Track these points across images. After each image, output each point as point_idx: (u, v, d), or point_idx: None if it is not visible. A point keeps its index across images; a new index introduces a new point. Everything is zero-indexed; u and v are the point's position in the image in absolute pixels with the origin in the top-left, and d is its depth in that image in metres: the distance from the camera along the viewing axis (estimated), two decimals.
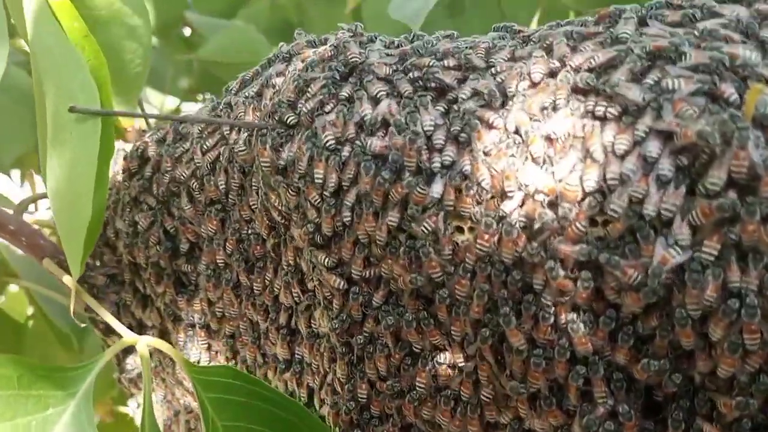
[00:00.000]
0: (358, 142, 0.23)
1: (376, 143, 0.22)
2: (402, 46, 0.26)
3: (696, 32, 0.20)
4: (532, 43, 0.24)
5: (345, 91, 0.24)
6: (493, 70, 0.23)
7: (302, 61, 0.27)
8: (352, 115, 0.23)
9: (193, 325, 0.32)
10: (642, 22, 0.22)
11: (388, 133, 0.23)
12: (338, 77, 0.24)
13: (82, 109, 0.21)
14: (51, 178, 0.22)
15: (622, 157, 0.19)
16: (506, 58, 0.23)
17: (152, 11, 0.75)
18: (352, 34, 0.27)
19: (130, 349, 0.35)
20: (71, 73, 0.22)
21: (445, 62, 0.23)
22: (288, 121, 0.24)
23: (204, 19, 0.81)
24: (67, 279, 0.28)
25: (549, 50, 0.22)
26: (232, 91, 0.30)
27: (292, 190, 0.24)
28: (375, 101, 0.23)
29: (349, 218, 0.23)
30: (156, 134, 0.33)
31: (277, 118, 0.25)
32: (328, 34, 0.30)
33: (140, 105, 0.38)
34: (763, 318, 0.18)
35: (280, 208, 0.25)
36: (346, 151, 0.23)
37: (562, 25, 0.24)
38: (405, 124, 0.22)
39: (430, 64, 0.23)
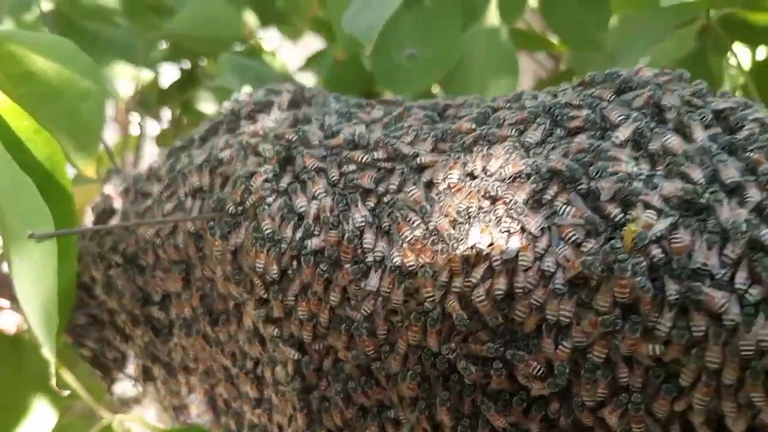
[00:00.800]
0: (297, 235, 0.25)
1: (314, 241, 0.25)
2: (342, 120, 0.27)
3: (591, 150, 0.21)
4: (451, 131, 0.25)
5: (284, 182, 0.26)
6: (418, 160, 0.24)
7: (248, 137, 0.28)
8: (291, 209, 0.25)
9: (170, 364, 0.34)
10: (553, 122, 0.23)
11: (323, 230, 0.25)
12: (278, 170, 0.26)
13: (40, 234, 0.23)
14: (17, 282, 0.25)
15: (525, 271, 0.21)
16: (429, 149, 0.25)
17: None
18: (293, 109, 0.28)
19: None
20: (24, 201, 0.23)
21: (376, 154, 0.25)
22: (233, 213, 0.26)
23: None
24: (45, 352, 0.31)
25: (466, 150, 0.24)
26: (185, 158, 0.31)
27: (242, 274, 0.27)
28: (311, 196, 0.25)
29: (294, 302, 0.26)
30: (120, 183, 0.35)
31: (223, 210, 0.27)
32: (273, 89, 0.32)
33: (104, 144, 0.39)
34: (646, 411, 0.21)
35: (234, 285, 0.28)
36: (284, 243, 0.25)
37: (479, 106, 0.26)
38: (338, 221, 0.24)
39: (361, 160, 0.25)
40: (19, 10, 0.76)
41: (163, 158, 0.34)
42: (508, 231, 0.21)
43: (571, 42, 0.55)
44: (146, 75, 0.82)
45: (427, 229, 0.23)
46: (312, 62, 0.81)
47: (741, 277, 0.18)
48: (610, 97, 0.23)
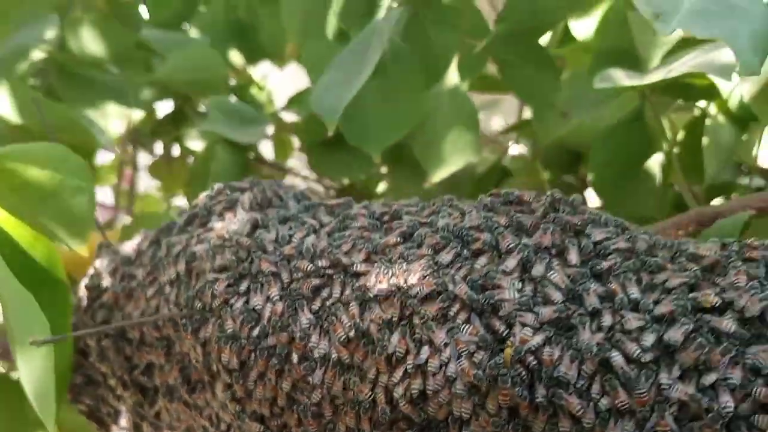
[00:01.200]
0: (254, 333, 0.30)
1: (269, 339, 0.29)
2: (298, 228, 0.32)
3: (484, 275, 0.26)
4: (381, 244, 0.30)
5: (243, 286, 0.31)
6: (354, 269, 0.29)
7: (216, 238, 0.33)
8: (250, 311, 0.30)
9: (156, 423, 0.39)
10: (463, 244, 0.28)
11: (276, 330, 0.29)
12: (237, 276, 0.31)
13: (40, 341, 0.28)
14: (22, 375, 0.29)
15: (434, 375, 0.26)
16: (362, 259, 0.29)
17: (106, 42, 0.79)
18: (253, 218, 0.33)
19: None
20: (25, 312, 0.28)
21: (319, 262, 0.30)
22: (201, 310, 0.31)
23: (159, 36, 0.84)
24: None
25: (392, 264, 0.29)
26: (165, 246, 0.36)
27: (210, 361, 0.32)
28: (266, 298, 0.30)
29: (253, 386, 0.30)
30: (109, 261, 0.40)
31: (193, 308, 0.31)
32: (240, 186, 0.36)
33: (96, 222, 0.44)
34: None
35: (205, 369, 0.33)
36: (243, 340, 0.30)
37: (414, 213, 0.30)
38: (288, 323, 0.29)
39: (307, 269, 0.30)
40: (12, 61, 0.80)
41: (147, 243, 0.38)
42: (420, 341, 0.26)
43: (528, 100, 0.60)
44: (137, 114, 0.86)
45: (360, 331, 0.28)
46: (294, 103, 0.86)
47: (595, 389, 0.23)
48: (506, 222, 0.28)
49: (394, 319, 0.27)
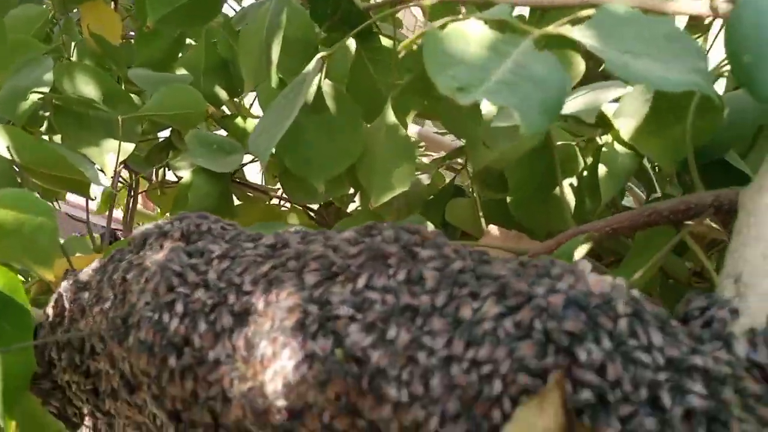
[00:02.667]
0: (163, 341, 0.37)
1: (175, 347, 0.37)
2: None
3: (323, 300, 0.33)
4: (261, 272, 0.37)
5: (159, 305, 0.38)
6: (242, 287, 0.36)
7: (144, 266, 0.40)
8: (160, 324, 0.37)
9: (110, 423, 0.47)
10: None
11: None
12: (156, 296, 0.38)
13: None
14: None
15: (293, 372, 0.33)
16: (249, 281, 0.36)
17: (95, 85, 0.87)
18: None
19: None
20: None
21: (216, 283, 0.37)
22: (124, 325, 0.38)
23: (144, 76, 0.93)
24: None
25: (269, 283, 0.35)
26: (110, 268, 0.44)
27: (134, 365, 0.39)
28: (174, 314, 0.37)
29: (166, 386, 0.38)
30: (70, 285, 0.48)
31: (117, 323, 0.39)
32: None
33: (63, 251, 0.52)
34: None
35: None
36: (156, 348, 0.37)
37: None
38: (189, 334, 0.36)
39: (207, 290, 0.37)
40: (13, 102, 0.88)
41: (97, 269, 0.46)
42: (283, 345, 0.33)
43: (454, 131, 0.67)
44: (128, 147, 0.93)
45: (242, 337, 0.35)
46: None
47: (405, 377, 0.30)
48: (357, 251, 0.34)
49: (266, 327, 0.34)
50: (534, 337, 0.28)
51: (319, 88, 0.62)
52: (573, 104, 0.50)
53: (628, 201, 0.79)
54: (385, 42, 0.68)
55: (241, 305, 0.35)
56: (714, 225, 0.62)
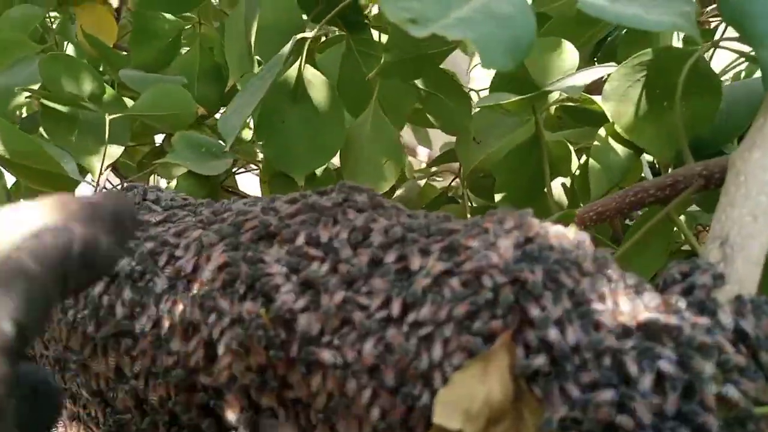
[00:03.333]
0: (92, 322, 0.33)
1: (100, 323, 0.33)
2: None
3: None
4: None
5: None
6: (176, 251, 0.33)
7: None
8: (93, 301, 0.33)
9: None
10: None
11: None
12: None
13: None
14: None
15: (217, 341, 0.29)
16: (184, 244, 0.33)
17: (82, 80, 0.85)
18: None
19: None
20: None
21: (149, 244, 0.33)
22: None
23: (136, 77, 0.91)
24: None
25: (202, 246, 0.32)
26: None
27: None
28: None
29: (90, 363, 0.34)
30: None
31: None
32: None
33: None
34: None
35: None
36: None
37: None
38: (112, 304, 0.33)
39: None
40: (4, 99, 0.87)
41: None
42: (211, 309, 0.29)
43: (444, 127, 0.63)
44: (115, 150, 0.91)
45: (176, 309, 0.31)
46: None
47: (336, 342, 0.26)
48: (295, 210, 0.31)
49: (193, 291, 0.30)
50: (481, 295, 0.24)
51: (301, 75, 0.59)
52: (558, 85, 0.47)
53: None
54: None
55: (172, 270, 0.32)
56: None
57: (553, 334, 0.23)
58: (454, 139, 0.72)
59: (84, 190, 1.03)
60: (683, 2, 0.29)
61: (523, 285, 0.23)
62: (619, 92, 0.44)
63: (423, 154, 1.16)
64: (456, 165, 0.79)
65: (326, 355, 0.26)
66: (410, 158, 1.15)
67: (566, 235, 0.25)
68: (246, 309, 0.28)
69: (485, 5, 0.29)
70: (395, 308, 0.25)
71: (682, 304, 0.24)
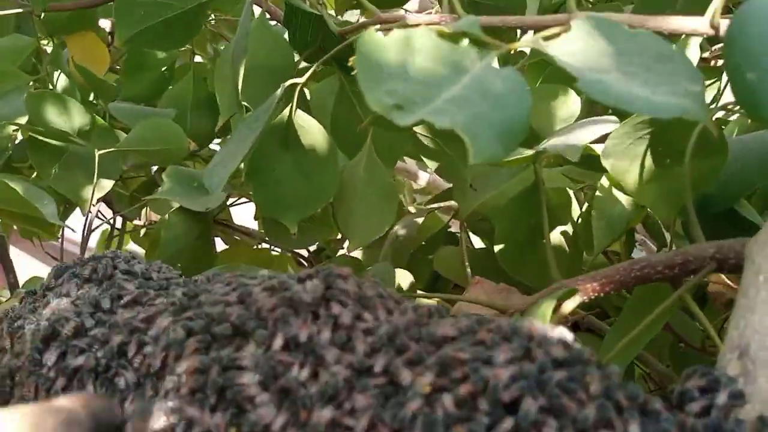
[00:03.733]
0: None
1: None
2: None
3: None
4: None
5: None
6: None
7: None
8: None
9: None
10: None
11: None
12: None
13: None
14: None
15: None
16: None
17: (70, 116, 0.83)
18: None
19: None
20: None
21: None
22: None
23: (126, 110, 0.89)
24: None
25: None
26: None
27: None
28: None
29: None
30: None
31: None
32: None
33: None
34: None
35: None
36: None
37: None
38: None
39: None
40: None
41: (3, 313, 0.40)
42: None
43: (440, 171, 0.61)
44: (106, 184, 0.88)
45: None
46: None
47: None
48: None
49: (162, 393, 0.28)
50: (477, 420, 0.22)
51: (291, 120, 0.57)
52: (556, 140, 0.44)
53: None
54: None
55: (140, 363, 0.29)
56: (731, 283, 0.55)
57: None
58: None
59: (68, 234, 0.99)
60: (689, 79, 0.27)
61: (522, 414, 0.21)
62: (619, 149, 0.42)
63: (423, 178, 1.14)
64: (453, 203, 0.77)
65: None
66: (410, 181, 1.13)
67: (570, 345, 0.23)
68: (215, 423, 0.25)
69: (478, 81, 0.27)
70: None
71: (699, 427, 0.22)
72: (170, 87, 0.96)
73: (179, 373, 0.27)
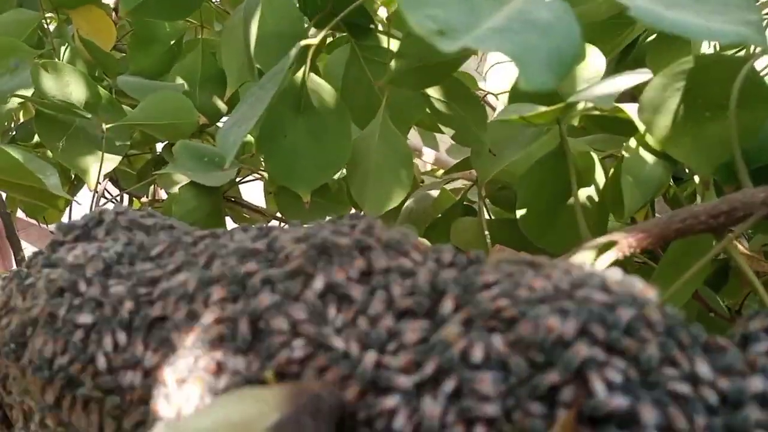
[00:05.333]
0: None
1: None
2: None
3: None
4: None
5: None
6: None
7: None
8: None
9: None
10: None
11: None
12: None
13: None
14: None
15: None
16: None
17: (76, 87, 0.81)
18: None
19: None
20: None
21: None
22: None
23: (134, 84, 0.87)
24: None
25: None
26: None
27: None
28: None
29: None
30: None
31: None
32: None
33: None
34: None
35: None
36: None
37: None
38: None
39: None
40: None
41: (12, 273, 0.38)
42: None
43: (458, 137, 0.59)
44: (113, 159, 0.87)
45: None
46: None
47: None
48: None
49: (188, 342, 0.26)
50: (531, 363, 0.20)
51: (305, 85, 0.55)
52: (587, 94, 0.43)
53: None
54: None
55: (163, 314, 0.28)
56: (757, 256, 0.53)
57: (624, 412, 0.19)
58: None
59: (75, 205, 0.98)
60: (746, 9, 0.25)
61: (579, 356, 0.19)
62: (657, 102, 0.40)
63: (429, 156, 1.12)
64: (472, 172, 0.75)
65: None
66: (416, 160, 1.11)
67: (634, 283, 0.21)
68: (248, 367, 0.24)
69: (522, 12, 0.25)
70: (426, 373, 0.21)
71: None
72: (178, 61, 0.94)
73: (206, 323, 0.25)
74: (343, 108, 0.55)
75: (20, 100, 0.82)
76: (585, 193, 0.54)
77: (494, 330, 0.21)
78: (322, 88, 0.56)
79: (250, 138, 0.88)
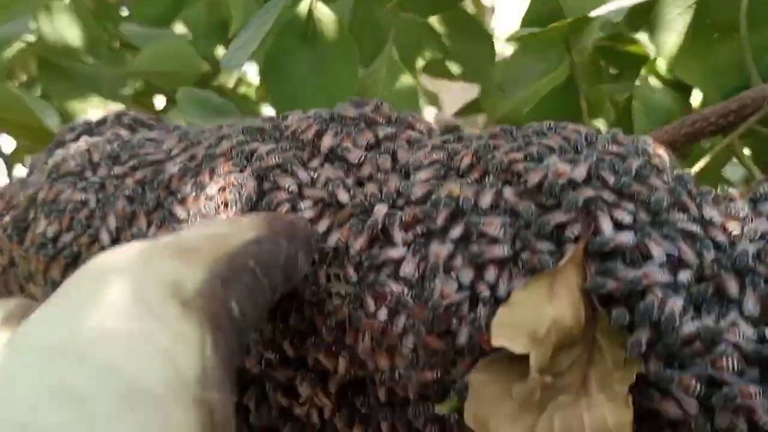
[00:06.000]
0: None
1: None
2: None
3: None
4: None
5: None
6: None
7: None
8: None
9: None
10: None
11: None
12: None
13: None
14: None
15: None
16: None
17: (81, 31, 0.81)
18: None
19: None
20: None
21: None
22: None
23: (138, 31, 0.86)
24: None
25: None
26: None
27: None
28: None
29: None
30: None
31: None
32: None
33: None
34: None
35: None
36: None
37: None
38: None
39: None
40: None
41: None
42: None
43: (466, 75, 0.59)
44: (114, 108, 0.87)
45: None
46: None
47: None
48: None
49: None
50: (540, 206, 0.20)
51: (311, 12, 0.54)
52: (600, 9, 0.42)
53: None
54: None
55: (165, 187, 0.28)
56: None
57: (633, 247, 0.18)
58: (468, 100, 0.67)
59: None
60: None
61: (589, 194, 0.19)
62: (666, 20, 0.40)
63: (430, 116, 1.11)
64: (479, 119, 0.74)
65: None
66: None
67: (645, 140, 0.21)
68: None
69: None
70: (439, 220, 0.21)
71: None
72: (182, 10, 0.93)
73: (211, 193, 0.25)
74: (351, 41, 0.55)
75: (21, 46, 0.82)
76: (595, 125, 0.54)
77: (507, 183, 0.21)
78: (329, 18, 0.55)
79: (251, 91, 0.87)
